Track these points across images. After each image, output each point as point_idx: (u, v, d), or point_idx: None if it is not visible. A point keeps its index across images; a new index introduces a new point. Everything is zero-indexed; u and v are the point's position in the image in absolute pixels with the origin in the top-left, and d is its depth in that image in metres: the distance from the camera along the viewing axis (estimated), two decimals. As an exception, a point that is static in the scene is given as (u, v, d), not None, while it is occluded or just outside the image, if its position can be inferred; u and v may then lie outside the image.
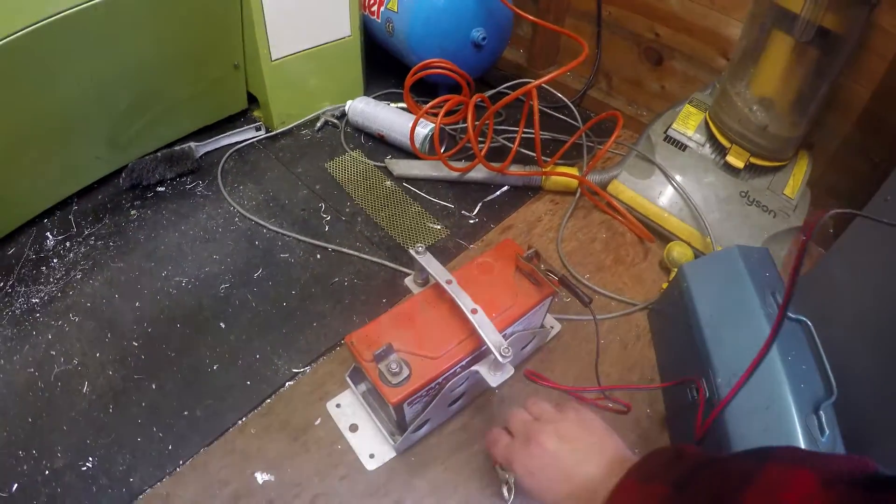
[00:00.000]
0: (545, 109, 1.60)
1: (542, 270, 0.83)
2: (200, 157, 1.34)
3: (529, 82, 1.14)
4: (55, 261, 1.12)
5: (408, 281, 0.91)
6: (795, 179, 1.26)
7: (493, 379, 0.74)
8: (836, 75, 1.15)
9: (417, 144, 1.35)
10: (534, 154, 1.28)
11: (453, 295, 0.76)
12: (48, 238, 1.16)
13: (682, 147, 1.28)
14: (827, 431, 0.73)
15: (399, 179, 1.35)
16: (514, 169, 1.32)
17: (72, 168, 1.20)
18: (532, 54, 1.76)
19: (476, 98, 1.26)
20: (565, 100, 1.46)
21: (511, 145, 1.30)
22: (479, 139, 1.35)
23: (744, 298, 0.89)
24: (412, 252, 0.83)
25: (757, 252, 0.98)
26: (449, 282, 0.78)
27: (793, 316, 0.85)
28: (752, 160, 1.21)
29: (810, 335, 0.83)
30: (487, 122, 1.28)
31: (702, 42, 1.42)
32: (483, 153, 1.28)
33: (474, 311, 0.74)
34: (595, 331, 0.93)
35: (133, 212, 1.23)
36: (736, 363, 0.81)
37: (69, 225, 1.19)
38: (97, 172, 1.25)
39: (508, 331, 0.81)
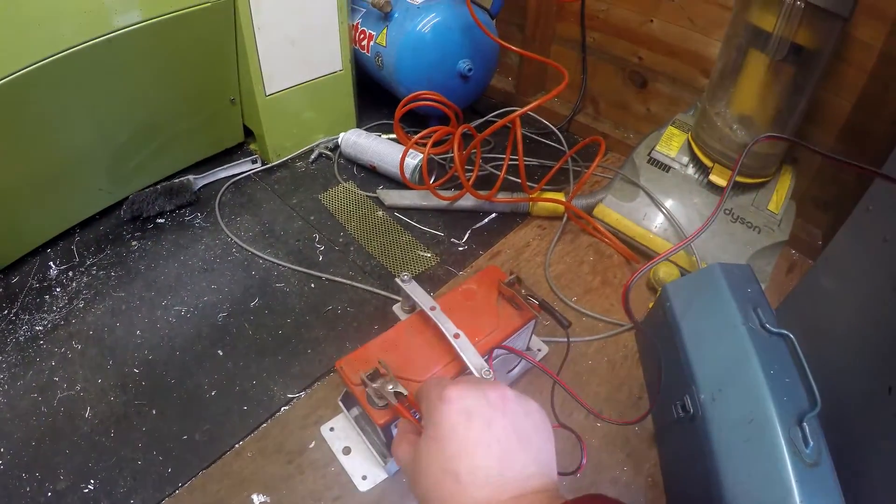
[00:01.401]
0: (533, 136, 1.65)
1: (523, 295, 0.86)
2: (199, 189, 1.38)
3: (516, 110, 1.18)
4: (58, 290, 1.15)
5: (395, 308, 0.94)
6: (779, 194, 1.28)
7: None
8: (814, 90, 1.18)
9: (407, 175, 1.38)
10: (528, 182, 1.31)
11: (436, 321, 0.79)
12: (51, 268, 1.20)
13: (666, 168, 1.31)
14: (811, 443, 0.75)
15: (390, 209, 1.38)
16: (502, 196, 1.36)
17: (74, 200, 1.24)
18: (520, 82, 1.80)
19: (462, 128, 1.30)
20: (551, 126, 1.50)
21: (499, 173, 1.33)
22: (469, 167, 1.38)
23: (726, 315, 0.91)
24: (398, 281, 0.86)
25: (739, 269, 1.00)
26: (433, 308, 0.81)
27: (775, 330, 0.88)
28: (735, 178, 1.24)
29: (794, 349, 0.85)
30: (475, 150, 1.32)
31: (684, 63, 1.46)
32: (471, 182, 1.32)
33: (457, 336, 0.77)
34: (576, 352, 0.95)
35: (134, 243, 1.26)
36: (719, 379, 0.84)
37: (72, 255, 1.23)
38: (99, 204, 1.29)
39: (494, 353, 0.83)
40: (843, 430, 0.82)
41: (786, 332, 0.87)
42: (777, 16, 1.07)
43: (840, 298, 0.98)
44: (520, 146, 1.23)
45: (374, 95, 1.69)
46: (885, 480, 0.77)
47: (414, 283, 0.86)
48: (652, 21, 1.46)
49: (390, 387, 0.69)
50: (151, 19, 1.13)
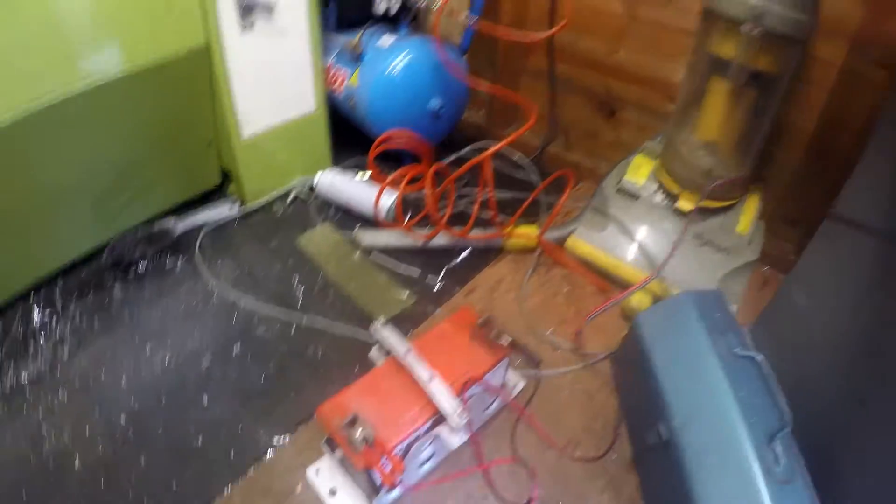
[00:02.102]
0: (504, 171, 1.68)
1: (495, 334, 0.89)
2: (179, 234, 1.40)
3: (489, 144, 1.21)
4: (42, 338, 1.17)
5: (373, 353, 0.97)
6: (747, 216, 1.32)
7: (454, 441, 0.79)
8: (777, 112, 1.23)
9: (382, 215, 1.42)
10: (502, 217, 1.35)
11: (410, 366, 0.81)
12: (35, 315, 1.21)
13: (635, 197, 1.35)
14: (783, 461, 0.78)
15: (367, 250, 1.41)
16: (476, 232, 1.39)
17: (54, 246, 1.25)
18: (492, 114, 1.84)
19: (434, 168, 1.33)
20: (524, 157, 1.52)
21: (473, 208, 1.36)
22: (445, 202, 1.41)
23: (695, 343, 0.95)
24: (371, 331, 0.89)
25: (707, 296, 1.04)
26: (408, 352, 0.83)
27: (744, 354, 0.91)
28: (702, 203, 1.27)
29: (762, 370, 0.88)
30: (449, 188, 1.35)
31: (651, 91, 1.51)
32: (444, 220, 1.35)
33: (431, 379, 0.79)
34: (552, 385, 0.98)
35: (116, 289, 1.28)
36: (690, 405, 0.87)
37: (55, 302, 1.24)
38: (79, 249, 1.30)
39: (467, 394, 0.86)
40: (819, 443, 0.84)
41: (754, 354, 0.91)
42: (736, 44, 1.12)
43: (810, 313, 1.02)
44: (490, 185, 1.27)
45: (349, 132, 1.72)
46: (860, 491, 0.80)
47: (389, 328, 0.89)
48: (618, 51, 1.50)
49: (362, 435, 0.72)
50: (128, 71, 1.16)
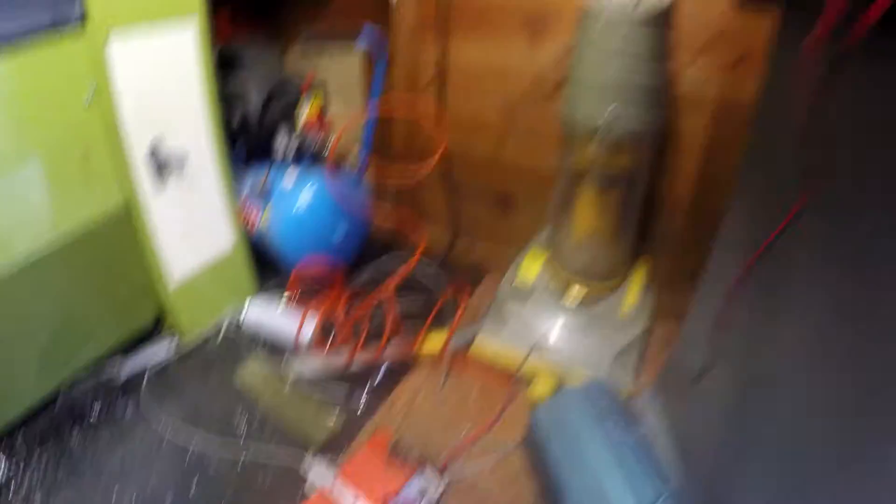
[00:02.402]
0: (415, 276, 1.76)
1: (405, 453, 1.05)
2: (124, 379, 1.48)
3: (398, 254, 1.34)
4: (11, 490, 1.22)
5: (307, 484, 1.09)
6: (633, 292, 1.48)
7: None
8: (652, 187, 1.40)
9: (305, 343, 1.53)
10: (413, 325, 1.49)
11: (336, 497, 0.96)
12: (1, 465, 1.26)
13: (530, 293, 1.50)
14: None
15: (296, 378, 1.49)
16: (390, 350, 1.50)
17: (7, 398, 1.31)
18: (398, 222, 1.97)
19: (345, 300, 1.48)
20: (430, 265, 1.66)
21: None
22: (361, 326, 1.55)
23: (583, 431, 1.10)
24: (302, 468, 1.03)
25: (592, 385, 1.21)
26: (333, 483, 0.98)
27: (626, 434, 1.07)
28: (590, 291, 1.43)
29: (646, 442, 1.03)
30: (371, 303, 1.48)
31: (538, 184, 1.68)
32: (360, 343, 1.48)
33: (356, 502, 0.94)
34: (468, 482, 1.11)
35: (75, 436, 1.34)
36: (582, 489, 1.02)
37: (18, 452, 1.29)
38: (33, 398, 1.36)
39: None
40: (707, 496, 0.99)
41: (631, 435, 1.06)
42: (594, 152, 1.27)
43: (696, 373, 1.16)
44: (393, 315, 1.41)
45: (269, 264, 1.82)
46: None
47: (315, 464, 1.03)
48: (503, 153, 1.69)
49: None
50: (56, 244, 1.27)
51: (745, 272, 0.99)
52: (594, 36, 1.22)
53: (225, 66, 1.70)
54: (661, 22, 1.20)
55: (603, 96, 1.24)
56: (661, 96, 1.29)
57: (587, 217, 1.40)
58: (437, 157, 1.48)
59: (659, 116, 1.29)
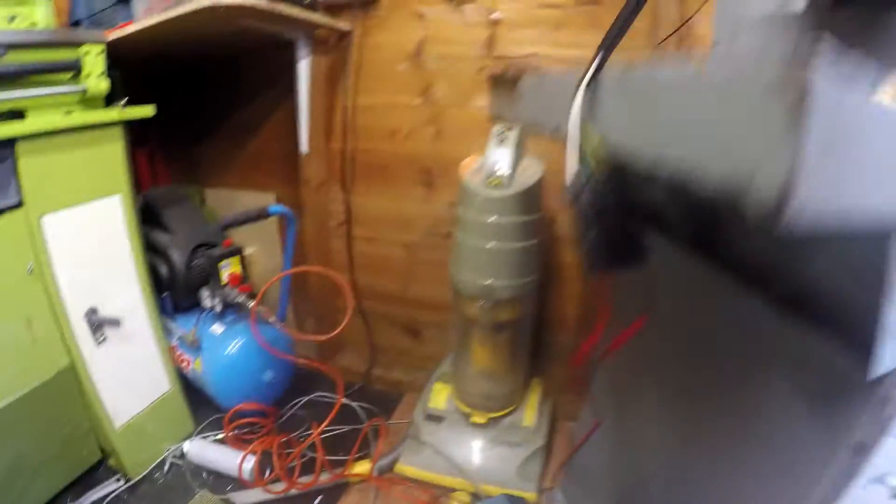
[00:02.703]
0: (343, 401, 1.91)
1: None
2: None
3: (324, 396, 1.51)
4: None
5: None
6: (531, 408, 1.69)
7: None
8: (540, 312, 1.59)
9: (245, 477, 1.67)
10: (342, 456, 1.66)
11: None
12: None
13: (441, 419, 1.69)
14: None
15: None
16: (323, 478, 1.65)
17: None
18: (323, 351, 2.15)
19: (278, 441, 1.65)
20: (352, 392, 1.84)
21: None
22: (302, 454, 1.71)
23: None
24: None
25: (499, 499, 1.40)
26: None
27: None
28: (491, 416, 1.63)
29: None
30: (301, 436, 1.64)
31: (442, 313, 1.89)
32: (296, 476, 1.63)
33: None
34: None
35: None
36: None
37: None
38: None
39: None
40: None
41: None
42: (479, 310, 1.47)
43: (594, 461, 1.37)
44: (319, 451, 1.59)
45: (205, 399, 1.94)
46: None
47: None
48: (409, 287, 1.92)
49: None
50: (5, 404, 1.38)
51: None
52: (469, 206, 1.39)
53: (148, 220, 1.86)
54: (530, 197, 1.36)
55: (480, 264, 1.41)
56: (536, 261, 1.45)
57: (481, 356, 1.58)
58: (346, 320, 1.60)
59: (535, 279, 1.46)
